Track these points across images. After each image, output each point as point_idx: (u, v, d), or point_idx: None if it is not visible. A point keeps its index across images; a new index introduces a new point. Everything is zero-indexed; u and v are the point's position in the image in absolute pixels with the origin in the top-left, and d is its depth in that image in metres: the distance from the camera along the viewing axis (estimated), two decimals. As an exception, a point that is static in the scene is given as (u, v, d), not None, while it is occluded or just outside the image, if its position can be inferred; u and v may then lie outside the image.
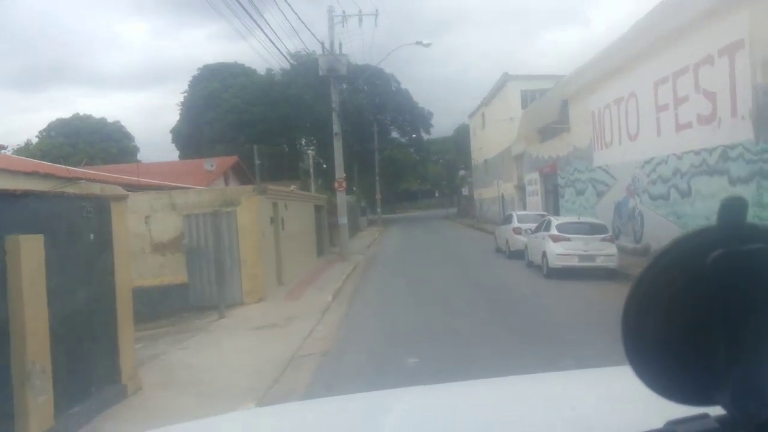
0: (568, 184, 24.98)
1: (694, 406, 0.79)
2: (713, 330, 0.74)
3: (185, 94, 61.11)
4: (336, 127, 23.75)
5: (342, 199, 23.40)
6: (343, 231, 23.16)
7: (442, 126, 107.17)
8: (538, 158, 29.74)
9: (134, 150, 57.87)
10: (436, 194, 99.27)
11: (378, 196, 52.31)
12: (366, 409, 1.68)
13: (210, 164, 29.91)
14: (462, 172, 60.67)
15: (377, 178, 52.24)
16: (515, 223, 20.28)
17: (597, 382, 1.71)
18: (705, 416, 0.80)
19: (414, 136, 59.70)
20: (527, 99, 35.52)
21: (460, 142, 72.56)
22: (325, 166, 53.52)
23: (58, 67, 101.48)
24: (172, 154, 65.64)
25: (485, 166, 45.61)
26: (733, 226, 0.73)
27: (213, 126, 58.07)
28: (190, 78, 62.26)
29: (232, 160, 34.98)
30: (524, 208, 34.71)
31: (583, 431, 1.29)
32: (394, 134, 65.09)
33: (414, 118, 62.80)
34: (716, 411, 0.78)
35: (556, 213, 25.10)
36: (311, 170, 38.42)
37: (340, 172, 23.45)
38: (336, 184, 23.37)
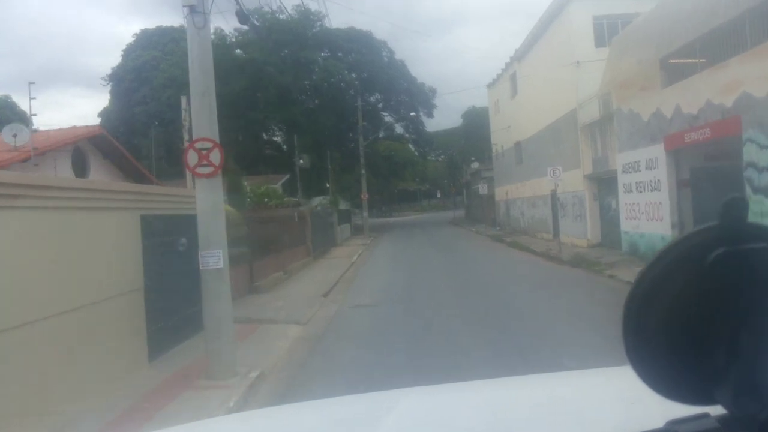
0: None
1: (694, 406, 0.77)
2: (714, 329, 0.73)
3: (115, 68, 45.93)
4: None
5: (214, 201, 7.98)
6: (215, 290, 7.72)
7: (444, 122, 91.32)
8: (658, 118, 14.64)
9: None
10: (438, 195, 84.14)
11: (364, 195, 37.13)
12: (366, 409, 1.62)
13: (12, 134, 14.68)
14: (475, 164, 45.44)
15: (363, 171, 37.09)
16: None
17: (597, 382, 1.65)
18: (706, 416, 0.78)
19: (413, 114, 44.34)
20: (603, 31, 20.44)
21: (470, 130, 57.46)
22: (302, 161, 38.34)
23: (53, 68, 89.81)
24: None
25: (517, 152, 30.47)
26: (734, 225, 0.70)
27: (147, 105, 43.02)
28: (124, 47, 47.21)
29: (88, 131, 19.59)
30: (608, 209, 19.62)
31: (583, 431, 1.25)
32: (388, 119, 49.95)
33: (412, 98, 47.61)
34: (717, 410, 0.76)
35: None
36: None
37: (203, 128, 8.09)
38: (187, 158, 7.91)
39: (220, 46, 42.55)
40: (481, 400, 1.60)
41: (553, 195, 23.50)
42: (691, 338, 0.74)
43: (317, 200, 32.69)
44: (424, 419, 1.49)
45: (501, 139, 34.12)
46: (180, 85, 41.91)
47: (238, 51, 42.75)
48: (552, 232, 24.64)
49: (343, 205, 40.61)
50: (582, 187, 20.86)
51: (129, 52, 45.67)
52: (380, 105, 50.60)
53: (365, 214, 37.30)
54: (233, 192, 21.43)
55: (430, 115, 49.22)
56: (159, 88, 41.40)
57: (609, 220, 19.27)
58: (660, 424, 0.81)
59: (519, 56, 28.50)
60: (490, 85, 36.53)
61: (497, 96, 34.67)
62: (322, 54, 44.41)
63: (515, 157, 30.89)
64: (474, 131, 55.11)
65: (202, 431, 1.73)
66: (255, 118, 40.54)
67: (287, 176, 39.25)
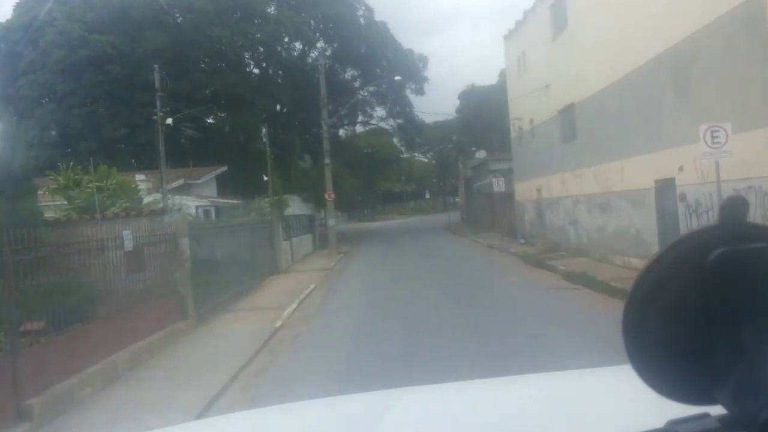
0: None
1: (695, 406, 0.75)
2: (714, 329, 0.71)
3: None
4: None
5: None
6: None
7: (433, 117, 79.68)
8: None
9: None
10: (427, 195, 72.44)
11: (329, 195, 25.15)
12: (367, 409, 1.59)
13: None
14: (480, 153, 33.67)
15: (327, 161, 25.09)
16: None
17: (597, 382, 1.60)
18: (706, 415, 0.75)
19: (398, 78, 32.07)
20: None
21: (468, 115, 45.75)
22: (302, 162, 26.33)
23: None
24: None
25: (565, 124, 18.71)
26: (734, 225, 0.69)
27: (35, 74, 30.78)
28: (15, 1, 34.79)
29: None
30: None
31: (583, 431, 1.23)
32: (364, 95, 38.10)
33: (397, 70, 35.72)
34: (717, 410, 0.74)
35: None
36: None
37: None
38: None
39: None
40: (482, 399, 1.56)
41: (658, 190, 11.92)
42: (691, 338, 0.72)
43: (256, 203, 20.80)
44: (424, 418, 1.47)
45: (528, 110, 22.39)
46: (77, 44, 29.94)
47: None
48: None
49: (304, 209, 28.76)
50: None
51: (21, 5, 33.35)
52: (357, 83, 38.75)
53: (331, 221, 25.31)
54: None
55: (420, 91, 37.57)
56: (48, 49, 29.22)
57: None
58: (660, 423, 0.78)
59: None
60: (510, 36, 24.68)
61: (522, 46, 22.87)
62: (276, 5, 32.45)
63: (560, 133, 19.14)
64: (474, 117, 43.43)
65: (203, 431, 1.71)
66: (180, 90, 28.44)
67: (224, 168, 27.32)
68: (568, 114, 18.26)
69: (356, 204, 75.84)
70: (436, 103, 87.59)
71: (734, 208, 0.71)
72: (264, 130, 23.42)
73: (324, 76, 24.92)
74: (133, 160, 29.87)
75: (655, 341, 0.73)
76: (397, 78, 30.70)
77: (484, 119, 41.73)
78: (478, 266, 18.23)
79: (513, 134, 25.19)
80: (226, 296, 13.16)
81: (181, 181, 23.45)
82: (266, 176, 21.23)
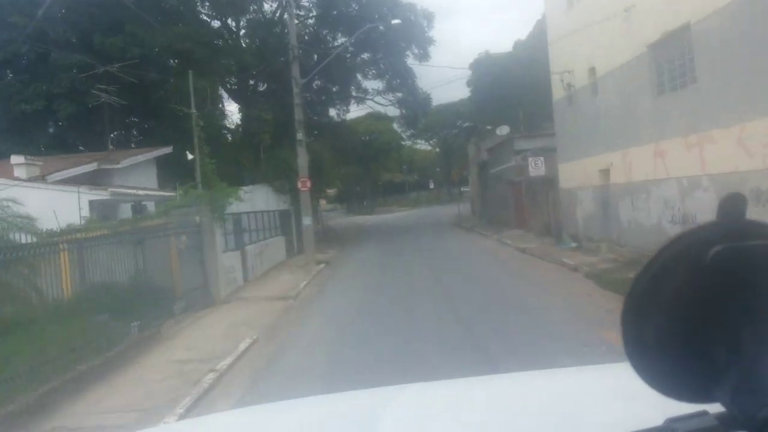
0: None
1: (693, 404, 0.74)
2: (713, 327, 0.71)
3: None
4: None
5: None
6: None
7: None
8: None
9: None
10: (431, 185, 65.30)
11: (303, 182, 18.08)
12: (366, 406, 1.55)
13: None
14: (502, 130, 26.45)
15: (300, 136, 18.00)
16: None
17: (596, 379, 1.57)
18: (704, 413, 0.75)
19: (396, 22, 24.51)
20: None
21: (481, 89, 38.45)
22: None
23: None
24: None
25: (672, 60, 11.70)
26: (733, 222, 0.69)
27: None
28: None
29: None
30: None
31: (582, 428, 1.20)
32: (359, 62, 30.90)
33: (393, 31, 28.34)
34: (716, 408, 0.73)
35: None
36: None
37: None
38: None
39: None
40: (481, 396, 1.52)
41: None
42: (690, 336, 0.71)
43: (180, 196, 13.75)
44: (422, 415, 1.43)
45: (584, 55, 15.28)
46: None
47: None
48: None
49: (278, 203, 21.76)
50: None
51: None
52: (348, 54, 31.41)
53: (307, 220, 18.19)
54: None
55: (424, 57, 30.33)
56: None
57: None
58: (659, 421, 0.77)
59: None
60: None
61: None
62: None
63: (654, 79, 11.98)
64: (488, 90, 36.25)
65: (203, 428, 1.65)
66: (109, 47, 21.32)
67: (166, 150, 20.26)
68: (672, 45, 11.10)
69: (354, 195, 68.94)
70: (439, 95, 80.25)
71: (733, 204, 0.68)
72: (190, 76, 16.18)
73: (293, 14, 17.74)
74: (74, 147, 23.04)
75: (653, 339, 0.70)
76: (396, 21, 23.38)
77: (499, 94, 34.66)
78: (531, 298, 11.18)
79: (557, 96, 18.05)
80: (34, 393, 6.15)
81: (93, 165, 16.50)
82: (192, 154, 14.14)
